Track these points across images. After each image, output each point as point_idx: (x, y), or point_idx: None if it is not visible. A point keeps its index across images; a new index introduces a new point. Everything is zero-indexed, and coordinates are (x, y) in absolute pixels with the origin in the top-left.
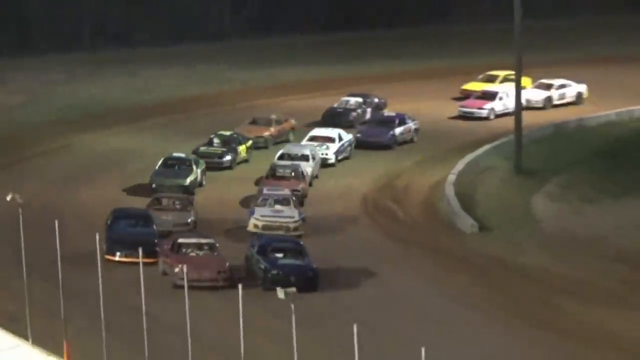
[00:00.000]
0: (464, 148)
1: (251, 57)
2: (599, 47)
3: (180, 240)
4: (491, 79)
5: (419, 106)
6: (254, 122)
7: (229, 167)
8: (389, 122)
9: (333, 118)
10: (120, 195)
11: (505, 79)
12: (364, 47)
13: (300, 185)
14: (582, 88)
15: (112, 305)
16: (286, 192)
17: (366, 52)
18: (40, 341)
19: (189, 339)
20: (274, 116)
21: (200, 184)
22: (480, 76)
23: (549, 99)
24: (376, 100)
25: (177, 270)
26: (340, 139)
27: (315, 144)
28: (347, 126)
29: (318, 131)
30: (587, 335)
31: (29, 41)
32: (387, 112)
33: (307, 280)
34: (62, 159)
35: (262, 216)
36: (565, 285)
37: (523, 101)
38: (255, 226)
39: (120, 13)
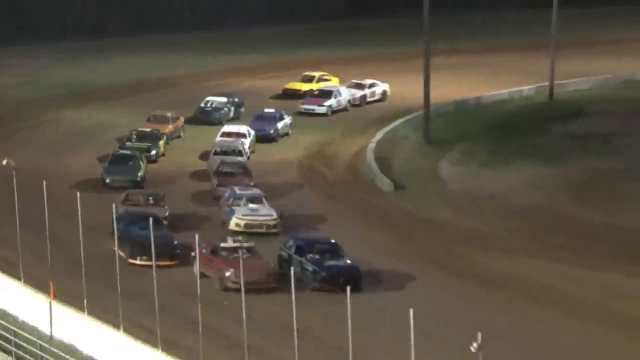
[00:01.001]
0: (381, 122)
1: (207, 45)
2: (499, 38)
3: (223, 245)
4: (309, 79)
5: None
6: (151, 120)
7: (155, 161)
8: (273, 118)
9: (203, 116)
10: (95, 161)
11: (320, 79)
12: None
13: (250, 182)
14: (386, 87)
15: (92, 249)
16: (257, 191)
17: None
18: (31, 282)
19: (291, 339)
20: (169, 114)
21: (144, 178)
22: (300, 77)
23: (364, 97)
24: (236, 99)
25: (228, 274)
26: (250, 134)
27: (229, 139)
28: (217, 123)
29: (229, 128)
30: (484, 276)
31: (21, 32)
32: (267, 110)
33: (355, 281)
34: (49, 130)
35: (243, 215)
36: (467, 235)
37: (347, 98)
38: (238, 225)
39: (97, 8)
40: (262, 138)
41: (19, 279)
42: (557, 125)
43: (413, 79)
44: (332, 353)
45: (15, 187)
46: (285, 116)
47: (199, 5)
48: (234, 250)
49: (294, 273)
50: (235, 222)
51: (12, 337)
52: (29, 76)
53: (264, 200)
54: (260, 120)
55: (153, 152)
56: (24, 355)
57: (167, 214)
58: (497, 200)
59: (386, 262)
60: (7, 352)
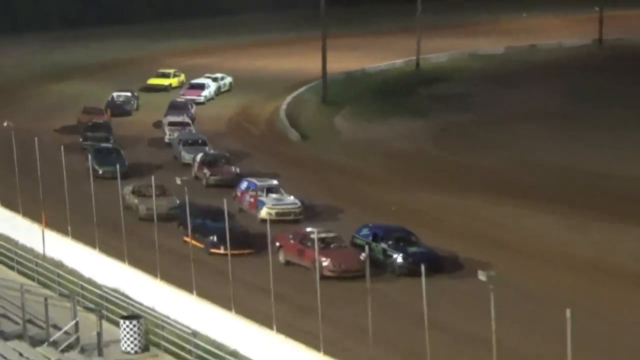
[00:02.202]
0: (290, 90)
1: (159, 34)
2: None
3: (314, 236)
4: (165, 75)
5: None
6: (86, 111)
7: None
8: (186, 106)
9: (116, 109)
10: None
11: (174, 75)
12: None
13: (237, 170)
14: (231, 79)
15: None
16: (275, 182)
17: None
18: (28, 215)
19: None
20: (102, 107)
21: None
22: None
23: (219, 88)
24: (135, 94)
25: (326, 263)
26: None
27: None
28: (127, 115)
29: (172, 118)
30: (370, 204)
31: (14, 23)
32: (179, 99)
33: (437, 266)
34: (38, 100)
35: (273, 205)
36: (359, 173)
37: (214, 90)
38: (269, 214)
39: (76, 4)
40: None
41: (18, 212)
42: (422, 88)
43: (311, 56)
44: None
45: (14, 143)
46: (190, 105)
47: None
48: (323, 240)
49: (377, 260)
50: (266, 212)
51: (14, 256)
52: (21, 59)
53: (281, 190)
54: (175, 109)
55: (111, 140)
56: (23, 269)
57: (177, 203)
58: (378, 146)
59: (298, 194)
60: (10, 267)
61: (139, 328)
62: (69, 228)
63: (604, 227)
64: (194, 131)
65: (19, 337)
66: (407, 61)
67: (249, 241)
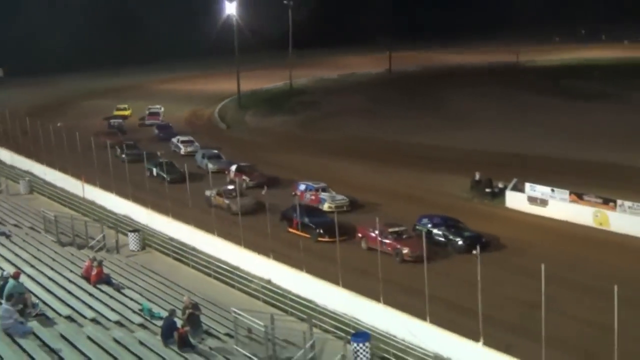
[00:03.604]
0: (220, 101)
1: (141, 71)
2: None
3: (391, 229)
4: (123, 108)
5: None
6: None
7: None
8: (168, 125)
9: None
10: (98, 123)
11: (127, 108)
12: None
13: (257, 174)
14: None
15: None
16: (324, 183)
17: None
18: (75, 175)
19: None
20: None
21: None
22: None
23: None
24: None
25: (406, 251)
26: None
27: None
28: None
29: (182, 138)
30: (271, 162)
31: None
32: (161, 122)
33: (483, 245)
34: (76, 110)
35: (333, 201)
36: (258, 145)
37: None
38: (330, 207)
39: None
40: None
41: (69, 174)
42: (293, 98)
43: (230, 82)
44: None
45: (64, 136)
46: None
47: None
48: (397, 232)
49: (439, 243)
50: (328, 205)
51: (67, 197)
52: (63, 87)
53: (329, 188)
54: (162, 129)
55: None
56: (72, 205)
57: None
58: (268, 130)
59: (230, 157)
60: (64, 204)
61: (139, 236)
62: (97, 182)
63: (398, 172)
64: (197, 144)
65: (71, 244)
66: (285, 83)
67: (343, 230)
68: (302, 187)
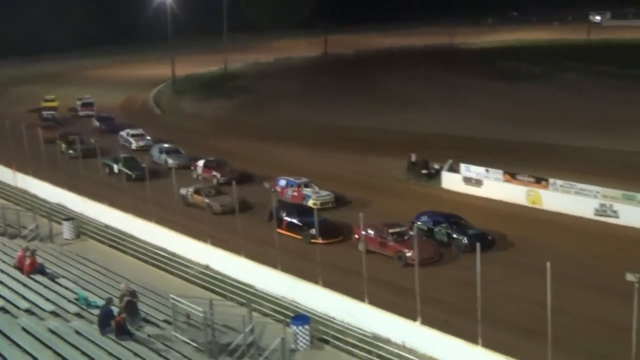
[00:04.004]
0: (154, 86)
1: (73, 57)
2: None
3: (392, 230)
4: (51, 100)
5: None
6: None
7: None
8: (110, 117)
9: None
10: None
11: (52, 100)
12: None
13: (228, 169)
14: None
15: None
16: (306, 179)
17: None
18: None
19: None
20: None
21: None
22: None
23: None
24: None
25: (410, 254)
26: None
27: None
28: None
29: (132, 131)
30: (211, 147)
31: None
32: (101, 114)
33: (489, 244)
34: (7, 96)
35: (318, 197)
36: (194, 130)
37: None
38: (315, 204)
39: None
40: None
41: None
42: (228, 82)
43: (164, 67)
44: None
45: None
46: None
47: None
48: (398, 234)
49: (441, 241)
50: (312, 202)
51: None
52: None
53: (312, 184)
54: (103, 120)
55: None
56: (3, 195)
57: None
58: (204, 115)
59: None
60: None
61: (73, 225)
62: (29, 171)
63: (335, 155)
64: (149, 138)
65: (2, 234)
66: (220, 68)
67: (338, 231)
68: (283, 182)
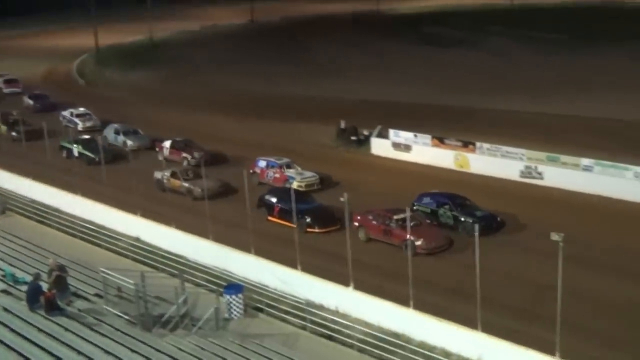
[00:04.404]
0: (77, 56)
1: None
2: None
3: (396, 217)
4: None
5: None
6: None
7: None
8: (45, 95)
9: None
10: None
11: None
12: None
13: (198, 150)
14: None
15: None
16: (286, 159)
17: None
18: None
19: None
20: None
21: None
22: None
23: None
24: None
25: (419, 242)
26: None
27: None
28: None
29: (77, 111)
30: (130, 118)
31: None
32: (35, 92)
33: (498, 225)
34: None
35: (302, 179)
36: (120, 101)
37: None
38: (300, 186)
39: None
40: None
41: None
42: (155, 52)
43: (87, 37)
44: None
45: None
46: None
47: None
48: (404, 220)
49: (446, 224)
50: (297, 184)
51: None
52: None
53: (294, 164)
54: (37, 98)
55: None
56: None
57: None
58: (130, 85)
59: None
60: None
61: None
62: None
63: (266, 123)
64: (96, 118)
65: None
66: (145, 37)
67: (335, 218)
68: (263, 163)
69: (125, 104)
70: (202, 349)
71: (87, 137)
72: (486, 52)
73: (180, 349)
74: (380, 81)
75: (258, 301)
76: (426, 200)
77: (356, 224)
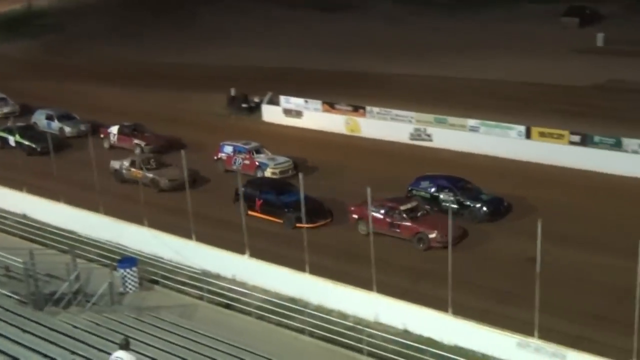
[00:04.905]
0: None
1: None
2: None
3: (403, 207)
4: None
5: None
6: None
7: None
8: None
9: None
10: None
11: None
12: None
13: (152, 135)
14: None
15: None
16: (256, 143)
17: None
18: None
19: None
20: None
21: None
22: None
23: None
24: None
25: (433, 235)
26: None
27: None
28: None
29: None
30: (24, 94)
31: None
32: None
33: (506, 209)
34: None
35: (276, 165)
36: (4, 69)
37: None
38: (274, 173)
39: None
40: None
41: None
42: (34, 20)
43: None
44: None
45: None
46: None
47: None
48: (411, 210)
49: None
50: (271, 171)
51: None
52: None
53: (263, 149)
54: None
55: None
56: None
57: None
58: (8, 56)
59: None
60: None
61: None
62: None
63: (153, 93)
64: (14, 102)
65: None
66: (23, 5)
67: (325, 210)
68: (229, 149)
69: (1, 76)
70: (98, 324)
71: (22, 124)
72: (374, 16)
73: (75, 327)
74: (269, 47)
75: (153, 274)
76: (424, 184)
77: (355, 216)
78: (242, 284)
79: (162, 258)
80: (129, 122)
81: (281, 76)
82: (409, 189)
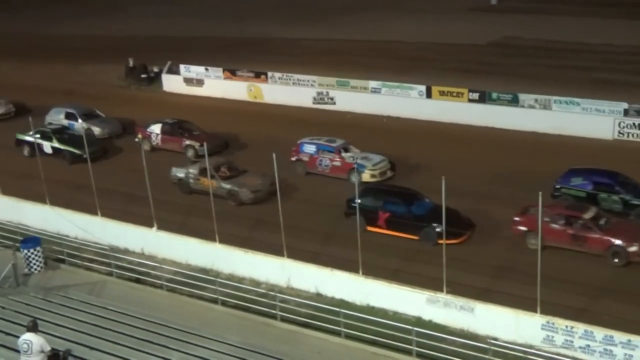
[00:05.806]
0: None
1: None
2: None
3: (586, 215)
4: None
5: None
6: None
7: None
8: None
9: None
10: None
11: None
12: None
13: (203, 134)
14: None
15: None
16: (341, 140)
17: None
18: None
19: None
20: None
21: None
22: None
23: None
24: None
25: (635, 248)
26: None
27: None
28: None
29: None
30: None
31: None
32: None
33: None
34: None
35: (374, 166)
36: None
37: None
38: (373, 175)
39: None
40: None
41: None
42: None
43: None
44: None
45: None
46: None
47: None
48: (594, 218)
49: (612, 211)
50: (370, 174)
51: None
52: None
53: (351, 146)
54: None
55: None
56: None
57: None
58: None
59: None
60: None
61: None
62: None
63: (48, 66)
64: (7, 101)
65: None
66: None
67: (467, 220)
68: (311, 148)
69: None
70: (3, 308)
71: (57, 126)
72: None
73: None
74: (166, 15)
75: (59, 252)
76: (577, 181)
77: (522, 228)
78: (151, 257)
79: (67, 236)
80: (170, 119)
81: (181, 44)
82: (557, 186)
